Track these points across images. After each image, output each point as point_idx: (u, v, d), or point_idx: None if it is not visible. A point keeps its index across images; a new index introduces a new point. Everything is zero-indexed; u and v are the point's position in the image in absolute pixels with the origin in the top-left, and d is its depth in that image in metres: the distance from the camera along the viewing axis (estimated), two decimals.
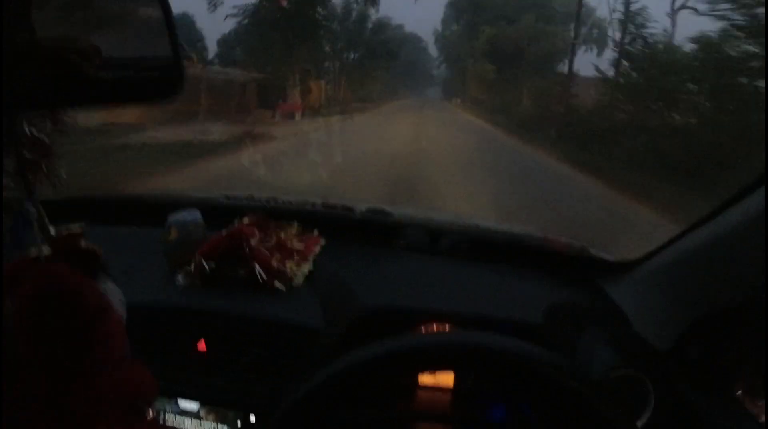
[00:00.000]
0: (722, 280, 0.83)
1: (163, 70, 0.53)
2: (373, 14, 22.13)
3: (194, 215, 1.08)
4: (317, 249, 1.13)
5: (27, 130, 0.51)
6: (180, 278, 1.00)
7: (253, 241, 1.02)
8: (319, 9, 17.81)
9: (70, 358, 0.43)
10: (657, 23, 11.58)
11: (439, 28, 37.44)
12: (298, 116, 16.06)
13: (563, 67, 17.24)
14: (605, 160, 8.92)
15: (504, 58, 21.43)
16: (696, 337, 0.87)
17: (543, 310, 1.02)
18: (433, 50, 42.80)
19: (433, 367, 0.88)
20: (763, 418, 0.85)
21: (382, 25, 23.55)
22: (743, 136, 7.49)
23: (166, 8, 0.52)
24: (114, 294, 0.59)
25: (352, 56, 23.01)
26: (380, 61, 23.45)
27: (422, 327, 0.95)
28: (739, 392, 0.87)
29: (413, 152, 9.31)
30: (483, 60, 23.32)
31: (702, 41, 8.87)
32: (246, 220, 1.15)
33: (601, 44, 19.95)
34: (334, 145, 9.24)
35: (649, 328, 0.95)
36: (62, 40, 0.47)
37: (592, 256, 1.22)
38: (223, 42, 20.78)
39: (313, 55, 18.53)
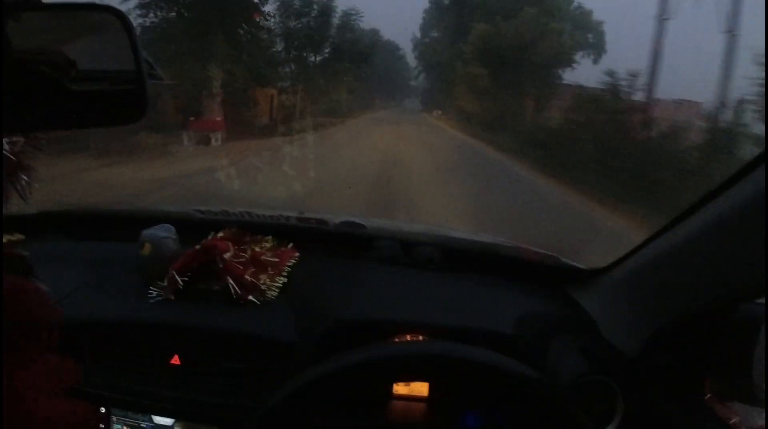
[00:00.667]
0: (687, 286, 0.84)
1: (127, 90, 0.54)
2: (340, 7, 18.67)
3: (168, 230, 1.08)
4: (291, 262, 1.14)
5: None
6: (153, 293, 1.00)
7: (227, 255, 1.03)
8: None
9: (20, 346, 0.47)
10: None
11: (418, 35, 35.05)
12: (217, 139, 11.37)
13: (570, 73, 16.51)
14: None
15: (500, 61, 18.40)
16: (663, 343, 0.89)
17: (514, 319, 1.04)
18: (411, 59, 39.49)
19: (407, 377, 0.90)
20: (731, 421, 0.85)
21: (350, 21, 19.93)
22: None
23: (127, 27, 0.53)
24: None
25: (312, 57, 19.44)
26: (349, 64, 20.15)
27: (396, 338, 0.96)
28: (708, 396, 0.88)
29: (385, 182, 7.86)
30: (473, 63, 19.97)
31: None
32: (220, 234, 1.16)
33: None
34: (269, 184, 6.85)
35: (618, 335, 0.97)
36: (36, 53, 0.48)
37: (562, 264, 1.24)
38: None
39: (249, 52, 14.20)
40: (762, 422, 0.90)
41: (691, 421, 0.85)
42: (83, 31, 0.55)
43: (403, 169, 9.19)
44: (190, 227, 1.18)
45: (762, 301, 0.80)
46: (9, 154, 0.54)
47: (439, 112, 29.91)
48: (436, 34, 31.75)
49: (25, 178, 0.56)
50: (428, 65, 33.40)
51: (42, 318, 0.51)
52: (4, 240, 0.64)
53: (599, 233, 5.69)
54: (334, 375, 0.71)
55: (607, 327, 1.01)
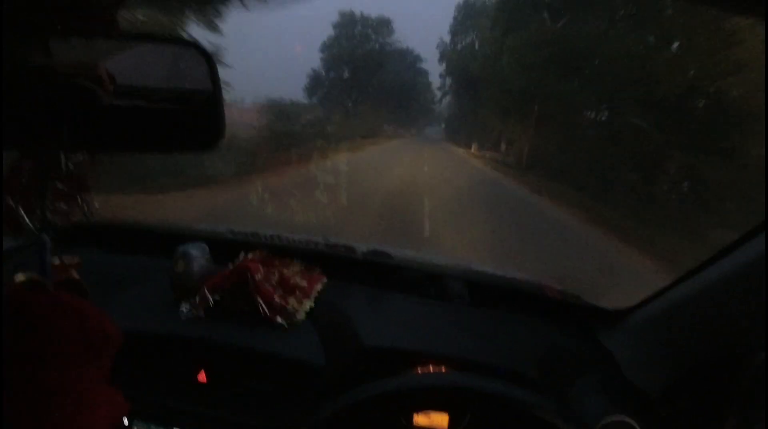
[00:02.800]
0: (710, 331, 0.85)
1: (202, 113, 0.58)
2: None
3: (201, 248, 1.11)
4: (319, 287, 1.16)
5: (63, 163, 0.55)
6: (184, 309, 1.02)
7: (258, 277, 1.05)
8: None
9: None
10: None
11: (447, 39, 30.40)
12: None
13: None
14: None
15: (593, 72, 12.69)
16: (685, 385, 0.89)
17: (537, 356, 1.04)
18: (434, 75, 34.90)
19: (427, 408, 0.90)
20: None
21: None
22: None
23: (209, 62, 0.57)
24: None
25: None
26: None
27: (418, 368, 0.96)
28: None
29: None
30: (541, 74, 13.92)
31: None
32: (251, 255, 1.18)
33: None
34: None
35: (640, 376, 0.97)
36: (75, 66, 0.50)
37: (585, 304, 1.24)
38: None
39: None
40: None
41: None
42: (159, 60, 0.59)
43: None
44: (221, 246, 1.21)
45: None
46: (77, 170, 0.57)
47: (475, 145, 25.68)
48: (474, 37, 27.67)
49: (84, 197, 0.59)
50: (460, 81, 28.75)
51: (104, 339, 0.52)
52: (61, 262, 0.67)
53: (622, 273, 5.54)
54: (360, 405, 0.72)
55: (629, 367, 1.01)
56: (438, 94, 36.03)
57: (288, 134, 13.37)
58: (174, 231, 1.49)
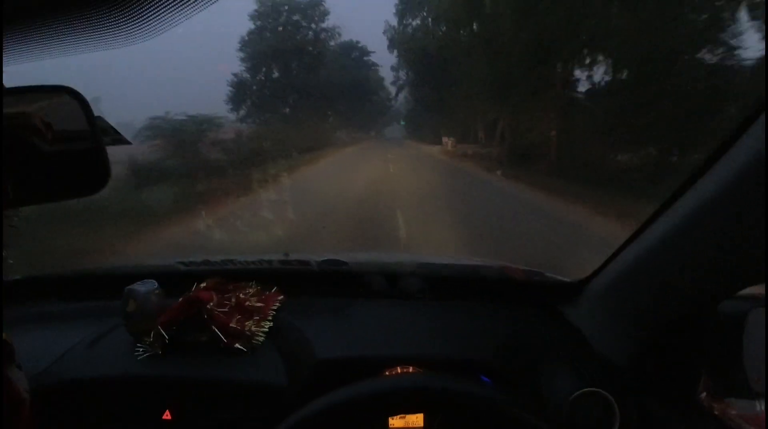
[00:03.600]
0: (667, 289, 0.84)
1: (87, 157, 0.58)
2: None
3: (150, 285, 1.09)
4: (277, 306, 1.15)
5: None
6: (140, 349, 1.00)
7: (211, 305, 1.04)
8: None
9: None
10: None
11: (394, 22, 26.25)
12: None
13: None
14: None
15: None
16: (652, 348, 0.89)
17: (503, 342, 1.05)
18: (386, 69, 30.76)
19: (400, 410, 0.90)
20: (729, 417, 0.85)
21: None
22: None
23: (82, 102, 0.57)
24: (21, 381, 0.60)
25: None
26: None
27: (386, 372, 0.96)
28: (703, 395, 0.87)
29: None
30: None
31: None
32: (203, 284, 1.17)
33: None
34: None
35: (607, 345, 0.97)
36: (13, 117, 0.50)
37: (548, 280, 1.26)
38: None
39: None
40: (760, 412, 0.88)
41: (689, 422, 0.85)
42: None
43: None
44: (175, 280, 1.19)
45: (743, 294, 0.80)
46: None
47: (451, 140, 21.90)
48: (425, 13, 23.87)
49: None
50: (418, 68, 24.93)
51: (15, 406, 0.50)
52: None
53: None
54: (321, 414, 0.72)
55: (595, 338, 1.02)
56: (393, 89, 32.13)
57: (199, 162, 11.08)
58: (124, 272, 1.45)
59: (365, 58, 30.85)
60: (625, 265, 0.94)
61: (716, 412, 0.86)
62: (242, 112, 25.72)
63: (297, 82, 24.28)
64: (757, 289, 0.81)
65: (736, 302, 0.83)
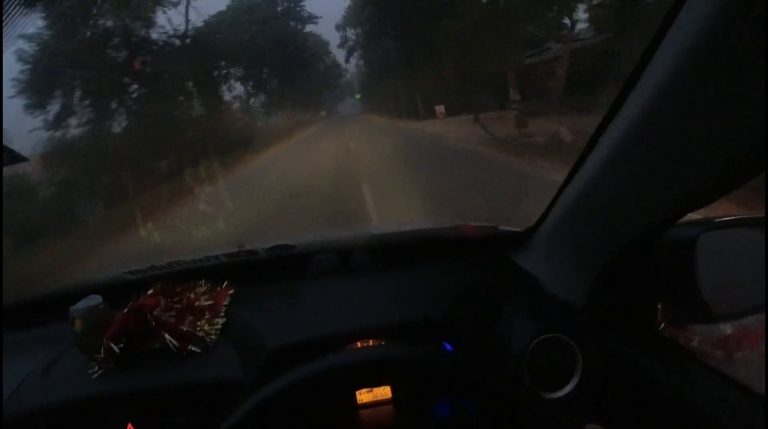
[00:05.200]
0: (610, 223, 0.84)
1: None
2: None
3: (94, 300, 1.06)
4: (227, 300, 1.14)
5: None
6: (95, 366, 0.98)
7: (157, 311, 1.02)
8: None
9: None
10: None
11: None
12: None
13: None
14: None
15: None
16: (605, 285, 0.90)
17: (460, 298, 1.06)
18: (331, 33, 27.22)
19: (365, 384, 0.90)
20: (692, 344, 0.88)
21: None
22: None
23: None
24: None
25: None
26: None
27: (346, 348, 0.97)
28: (663, 325, 0.89)
29: None
30: None
31: None
32: (150, 291, 1.15)
33: None
34: None
35: (561, 288, 1.00)
36: None
37: (500, 232, 1.27)
38: None
39: None
40: (725, 332, 0.92)
41: (651, 354, 0.86)
42: None
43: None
44: (122, 291, 1.16)
45: (686, 220, 0.80)
46: None
47: (442, 108, 16.28)
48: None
49: None
50: (373, 21, 19.12)
51: None
52: None
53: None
54: (280, 392, 0.72)
55: (550, 283, 1.04)
56: (340, 54, 25.35)
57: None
58: (69, 290, 1.40)
59: (298, 10, 21.95)
60: (566, 205, 0.96)
61: (680, 341, 0.88)
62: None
63: (188, 49, 15.37)
64: (702, 214, 0.81)
65: (682, 228, 0.83)
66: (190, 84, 16.09)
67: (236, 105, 20.65)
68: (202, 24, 17.33)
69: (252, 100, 22.12)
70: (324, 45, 25.28)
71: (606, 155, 0.78)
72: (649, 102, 0.66)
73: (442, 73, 15.56)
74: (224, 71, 19.29)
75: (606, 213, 0.85)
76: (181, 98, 15.70)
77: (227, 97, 20.09)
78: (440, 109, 16.90)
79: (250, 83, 21.73)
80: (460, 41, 13.73)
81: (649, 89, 0.65)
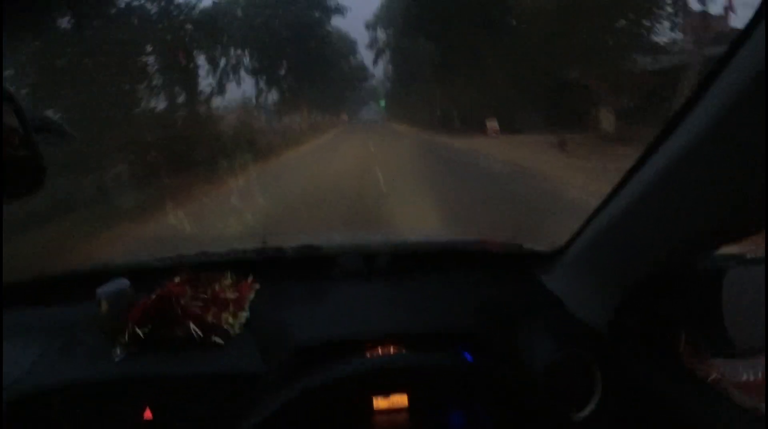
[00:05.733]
0: (641, 248, 0.84)
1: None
2: None
3: (121, 284, 1.07)
4: (252, 294, 1.15)
5: None
6: (117, 349, 0.99)
7: (184, 300, 1.02)
8: None
9: None
10: None
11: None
12: None
13: None
14: None
15: None
16: (630, 308, 0.90)
17: (482, 311, 1.06)
18: (359, 30, 24.60)
19: (384, 391, 0.90)
20: (710, 378, 0.84)
21: None
22: None
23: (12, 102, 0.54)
24: None
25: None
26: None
27: (367, 353, 0.96)
28: (684, 354, 0.88)
29: None
30: None
31: None
32: (177, 279, 1.15)
33: None
34: None
35: (585, 309, 0.99)
36: None
37: (525, 251, 1.27)
38: None
39: None
40: (744, 376, 0.89)
41: (671, 382, 0.85)
42: None
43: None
44: (148, 276, 1.17)
45: (722, 253, 0.80)
46: None
47: (495, 123, 13.35)
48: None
49: None
50: (410, 20, 16.48)
51: None
52: None
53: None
54: (302, 396, 0.72)
55: (574, 303, 1.03)
56: (369, 54, 23.10)
57: None
58: (96, 271, 1.42)
59: (323, 26, 19.65)
60: (599, 228, 0.95)
61: (699, 373, 0.86)
62: None
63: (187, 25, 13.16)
64: (735, 249, 0.82)
65: (714, 260, 0.83)
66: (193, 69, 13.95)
67: (238, 100, 17.97)
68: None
69: (262, 97, 19.55)
70: (351, 44, 22.50)
71: (646, 182, 0.77)
72: (695, 135, 0.65)
73: (493, 80, 12.38)
74: (231, 59, 16.30)
75: (640, 239, 0.84)
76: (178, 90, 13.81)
77: (235, 92, 17.17)
78: (492, 124, 13.51)
79: (264, 77, 19.09)
80: (523, 39, 10.91)
81: (698, 120, 0.65)
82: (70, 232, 5.72)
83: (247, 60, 17.71)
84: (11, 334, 1.10)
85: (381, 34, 21.84)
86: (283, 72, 20.49)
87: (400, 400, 0.93)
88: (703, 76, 0.64)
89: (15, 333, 1.10)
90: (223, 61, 16.77)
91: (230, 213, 6.30)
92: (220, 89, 17.26)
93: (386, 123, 26.70)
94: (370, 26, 21.95)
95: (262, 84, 19.78)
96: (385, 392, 0.91)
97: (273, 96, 20.66)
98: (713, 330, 0.80)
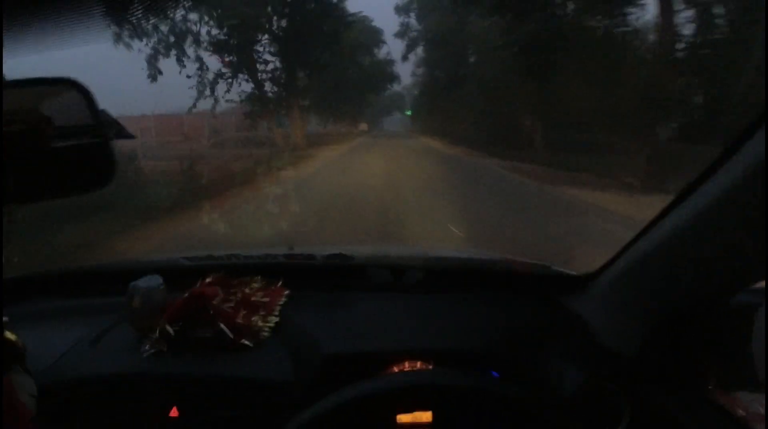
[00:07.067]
0: (677, 282, 0.83)
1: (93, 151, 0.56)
2: None
3: (155, 281, 1.08)
4: (282, 300, 1.15)
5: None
6: (146, 345, 0.99)
7: (216, 301, 1.03)
8: None
9: None
10: None
11: None
12: None
13: None
14: None
15: None
16: (660, 340, 0.89)
17: (510, 333, 1.05)
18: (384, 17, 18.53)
19: (408, 407, 0.89)
20: (738, 413, 0.84)
21: None
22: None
23: (84, 93, 0.55)
24: (24, 387, 0.58)
25: None
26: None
27: (394, 367, 0.96)
28: (711, 387, 0.87)
29: None
30: None
31: None
32: (208, 279, 1.16)
33: None
34: None
35: (614, 338, 0.97)
36: (12, 114, 0.49)
37: (554, 273, 1.25)
38: None
39: None
40: (762, 411, 0.88)
41: (697, 415, 0.84)
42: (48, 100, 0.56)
43: None
44: (179, 275, 1.18)
45: (755, 287, 0.79)
46: None
47: None
48: None
49: None
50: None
51: (14, 418, 0.48)
52: None
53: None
54: (331, 412, 0.72)
55: (603, 331, 1.01)
56: (400, 45, 17.98)
57: None
58: (127, 267, 1.44)
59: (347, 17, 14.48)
60: (634, 259, 0.94)
61: (725, 406, 0.85)
62: None
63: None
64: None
65: (746, 295, 0.82)
66: None
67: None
68: None
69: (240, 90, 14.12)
70: (375, 33, 17.02)
71: (684, 221, 0.77)
72: (738, 173, 0.66)
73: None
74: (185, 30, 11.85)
75: (675, 273, 0.84)
76: None
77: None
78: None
79: (234, 60, 13.19)
80: None
81: (740, 160, 0.66)
82: (102, 228, 5.84)
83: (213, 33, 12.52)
84: (43, 323, 1.12)
85: (414, 21, 16.84)
86: (264, 50, 14.37)
87: (424, 415, 0.92)
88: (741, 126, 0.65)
89: (47, 322, 1.12)
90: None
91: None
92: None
93: (413, 137, 22.21)
94: (401, 10, 17.34)
95: (236, 70, 13.83)
96: (410, 408, 0.90)
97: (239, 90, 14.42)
98: (741, 365, 0.81)
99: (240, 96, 14.81)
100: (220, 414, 0.91)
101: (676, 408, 0.86)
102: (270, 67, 15.02)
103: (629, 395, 0.89)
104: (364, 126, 22.16)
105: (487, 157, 13.46)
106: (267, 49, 14.85)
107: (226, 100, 14.90)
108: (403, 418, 0.92)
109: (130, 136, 0.72)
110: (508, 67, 11.92)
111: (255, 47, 14.47)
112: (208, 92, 14.47)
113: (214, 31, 13.48)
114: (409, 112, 25.82)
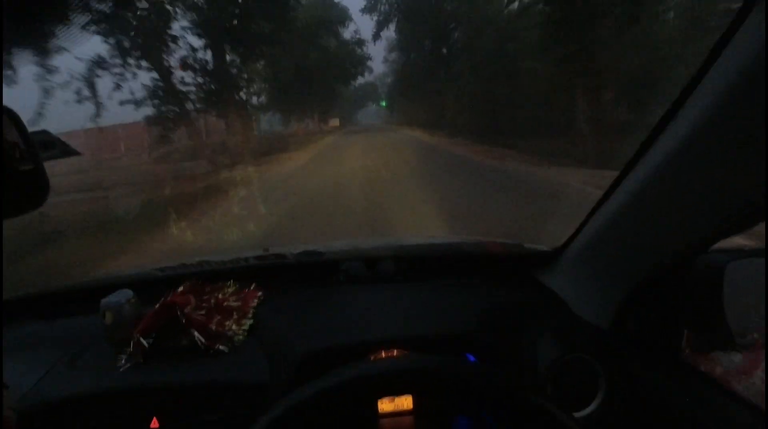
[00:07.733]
0: (641, 247, 0.84)
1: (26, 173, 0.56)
2: None
3: (125, 295, 1.08)
4: (255, 302, 1.15)
5: None
6: (122, 359, 0.99)
7: (188, 309, 1.03)
8: None
9: None
10: None
11: None
12: None
13: None
14: None
15: None
16: (633, 309, 0.90)
17: (485, 314, 1.06)
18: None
19: (388, 393, 0.90)
20: (715, 373, 0.85)
21: None
22: None
23: (14, 119, 0.55)
24: (6, 400, 0.58)
25: None
26: None
27: (371, 356, 0.96)
28: (686, 351, 0.88)
29: None
30: None
31: None
32: (180, 288, 1.16)
33: None
34: None
35: (587, 310, 0.99)
36: None
37: (526, 250, 1.27)
38: None
39: None
40: (742, 364, 0.88)
41: (674, 379, 0.85)
42: None
43: None
44: (152, 287, 1.18)
45: (719, 247, 0.79)
46: None
47: None
48: None
49: None
50: None
51: None
52: None
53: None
54: (307, 401, 0.72)
55: (576, 304, 1.03)
56: (369, 24, 15.61)
57: None
58: (101, 283, 1.43)
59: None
60: (598, 227, 0.95)
61: (702, 368, 0.87)
62: None
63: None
64: (733, 243, 0.81)
65: (712, 256, 0.83)
66: None
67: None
68: None
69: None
70: (339, 9, 14.41)
71: (643, 179, 0.77)
72: (692, 128, 0.65)
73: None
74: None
75: (639, 237, 0.84)
76: None
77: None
78: None
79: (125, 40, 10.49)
80: None
81: (692, 115, 0.65)
82: (73, 247, 5.70)
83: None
84: (19, 349, 1.10)
85: None
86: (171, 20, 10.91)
87: (405, 402, 0.93)
88: (697, 68, 0.63)
89: (22, 348, 1.11)
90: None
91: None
92: None
93: (398, 128, 19.81)
94: None
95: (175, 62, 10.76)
96: (391, 395, 0.91)
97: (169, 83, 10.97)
98: (715, 325, 0.82)
99: (133, 94, 10.88)
100: (200, 420, 0.92)
101: (652, 373, 0.87)
102: (183, 47, 10.86)
103: (605, 365, 0.90)
104: (335, 122, 20.18)
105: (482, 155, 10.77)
106: (176, 21, 10.90)
107: (120, 103, 11.16)
108: (384, 406, 0.93)
109: (76, 153, 0.72)
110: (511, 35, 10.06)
111: (156, 18, 10.14)
112: (86, 93, 10.84)
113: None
114: (383, 103, 24.28)
